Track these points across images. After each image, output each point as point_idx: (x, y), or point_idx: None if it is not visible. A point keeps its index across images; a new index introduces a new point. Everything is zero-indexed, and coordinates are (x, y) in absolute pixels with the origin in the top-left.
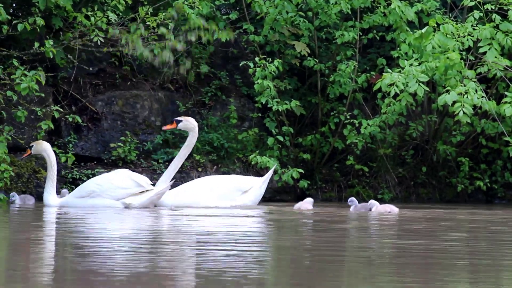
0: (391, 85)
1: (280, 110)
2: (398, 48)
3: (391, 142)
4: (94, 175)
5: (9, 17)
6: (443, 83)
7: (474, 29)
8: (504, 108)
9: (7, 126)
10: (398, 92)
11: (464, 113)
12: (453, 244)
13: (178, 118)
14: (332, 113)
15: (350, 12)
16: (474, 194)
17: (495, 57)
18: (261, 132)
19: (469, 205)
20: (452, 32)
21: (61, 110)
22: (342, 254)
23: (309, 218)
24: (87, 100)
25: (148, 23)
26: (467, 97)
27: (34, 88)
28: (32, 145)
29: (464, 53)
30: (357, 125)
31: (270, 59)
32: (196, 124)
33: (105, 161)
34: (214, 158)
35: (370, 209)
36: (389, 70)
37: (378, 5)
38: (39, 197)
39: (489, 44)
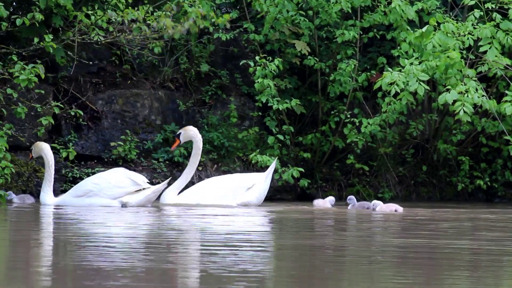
0: (391, 84)
1: (281, 109)
2: (399, 47)
3: (391, 141)
4: (94, 174)
5: (8, 12)
6: (443, 82)
7: (474, 28)
8: (504, 107)
9: (8, 123)
10: (399, 91)
11: (464, 112)
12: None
13: (179, 131)
14: (332, 112)
15: (350, 11)
16: (475, 193)
17: (496, 56)
18: (261, 131)
19: (485, 204)
20: (452, 31)
21: (62, 106)
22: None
23: (329, 217)
24: (87, 99)
25: (148, 22)
26: (467, 96)
27: (33, 80)
28: (32, 148)
29: (464, 52)
30: (357, 124)
31: (270, 58)
32: (195, 130)
33: (106, 160)
34: (215, 157)
35: (374, 209)
36: (390, 69)
37: (378, 4)
38: (39, 196)
39: (489, 43)
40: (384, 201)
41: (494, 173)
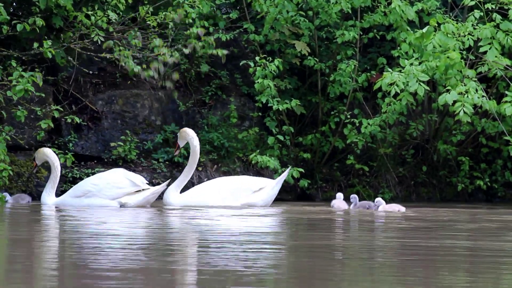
0: (391, 84)
1: (281, 109)
2: (399, 48)
3: (391, 141)
4: (94, 174)
5: (8, 18)
6: (443, 83)
7: (474, 29)
8: (504, 108)
9: (7, 126)
10: (399, 91)
11: (464, 112)
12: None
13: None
14: (332, 113)
15: (350, 12)
16: (474, 193)
17: (496, 56)
18: (261, 132)
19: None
20: (452, 32)
21: (61, 109)
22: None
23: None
24: (87, 100)
25: (148, 22)
26: (467, 96)
27: (30, 90)
28: (35, 156)
29: (464, 52)
30: (357, 124)
31: (270, 58)
32: (188, 130)
33: (106, 160)
34: (215, 158)
35: (376, 208)
36: (390, 70)
37: (378, 4)
38: (39, 197)
39: (489, 44)
40: (384, 201)
41: (494, 174)
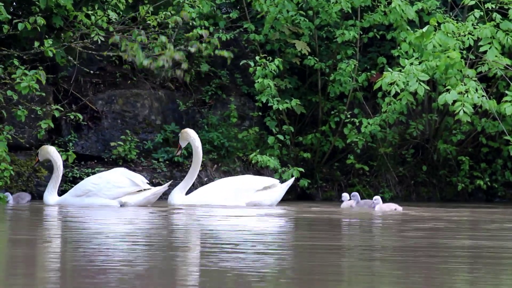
0: (391, 84)
1: (281, 109)
2: (399, 47)
3: (391, 141)
4: (94, 174)
5: (9, 17)
6: (443, 82)
7: (474, 28)
8: (504, 107)
9: (8, 125)
10: (399, 91)
11: (464, 112)
12: None
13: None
14: (332, 112)
15: (350, 11)
16: (475, 193)
17: (496, 56)
18: (261, 131)
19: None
20: (452, 31)
21: (61, 109)
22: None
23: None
24: (87, 99)
25: (148, 22)
26: (467, 96)
27: (34, 87)
28: (38, 152)
29: (464, 52)
30: (357, 124)
31: (270, 58)
32: (189, 131)
33: (106, 160)
34: (215, 157)
35: (374, 207)
36: (390, 69)
37: (378, 4)
38: (39, 196)
39: (489, 43)
40: (384, 201)
41: (494, 173)
